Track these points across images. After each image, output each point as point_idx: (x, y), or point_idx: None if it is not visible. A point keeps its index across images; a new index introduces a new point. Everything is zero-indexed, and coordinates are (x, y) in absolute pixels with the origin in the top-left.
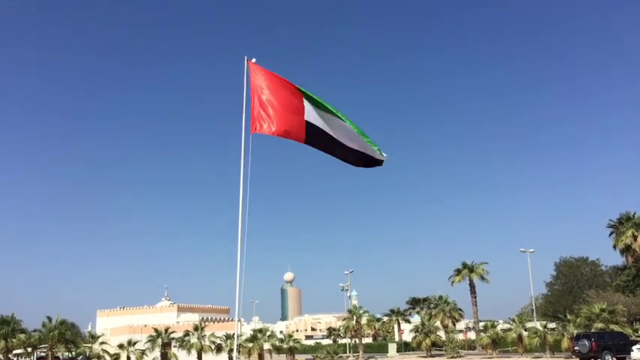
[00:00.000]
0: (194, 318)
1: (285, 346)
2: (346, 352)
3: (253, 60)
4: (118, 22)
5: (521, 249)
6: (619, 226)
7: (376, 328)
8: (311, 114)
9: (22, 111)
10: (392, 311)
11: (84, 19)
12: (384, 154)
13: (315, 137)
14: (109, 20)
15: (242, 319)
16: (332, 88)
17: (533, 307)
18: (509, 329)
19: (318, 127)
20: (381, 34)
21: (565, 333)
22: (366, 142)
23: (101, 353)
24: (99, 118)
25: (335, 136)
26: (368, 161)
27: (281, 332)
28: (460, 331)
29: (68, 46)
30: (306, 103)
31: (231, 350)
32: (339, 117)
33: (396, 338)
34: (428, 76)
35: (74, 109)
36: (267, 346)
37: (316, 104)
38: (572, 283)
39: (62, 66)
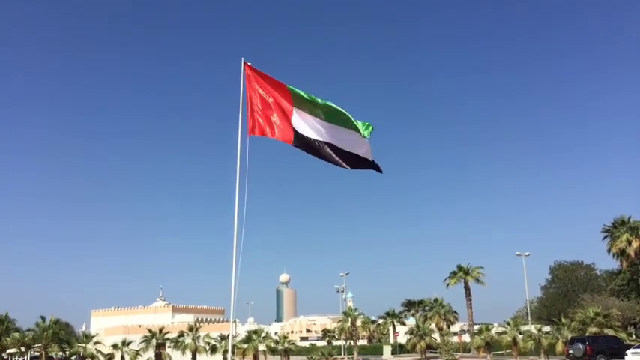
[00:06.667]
0: (189, 318)
1: (279, 347)
2: (341, 354)
3: (249, 63)
4: (118, 20)
5: (517, 252)
6: (613, 230)
7: (371, 330)
8: (298, 119)
9: (20, 109)
10: (387, 313)
11: (82, 18)
12: (367, 135)
13: (303, 142)
14: (108, 18)
15: (237, 320)
16: (330, 87)
17: (528, 311)
18: (504, 332)
19: (305, 135)
20: (382, 32)
21: (559, 336)
22: (359, 136)
23: (95, 353)
24: (96, 116)
25: (326, 140)
26: (361, 162)
27: (276, 333)
28: (455, 334)
29: (67, 45)
30: (295, 109)
31: (225, 351)
32: (331, 119)
33: (391, 340)
34: (427, 77)
35: (71, 107)
36: (261, 347)
37: (307, 105)
38: (566, 287)
39: (60, 64)
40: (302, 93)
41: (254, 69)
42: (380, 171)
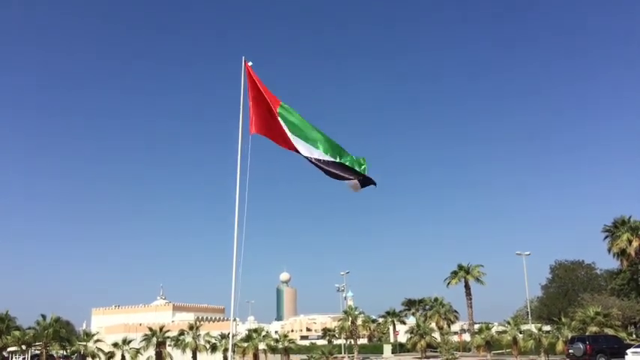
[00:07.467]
0: (189, 317)
1: (280, 346)
2: (341, 353)
3: (250, 63)
4: (117, 20)
5: (517, 252)
6: (614, 230)
7: (371, 329)
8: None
9: (21, 110)
10: (387, 312)
11: (82, 18)
12: (369, 176)
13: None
14: (108, 18)
15: (237, 319)
16: (330, 87)
17: (529, 310)
18: (504, 331)
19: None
20: (382, 32)
21: (560, 336)
22: (347, 167)
23: (96, 352)
24: (96, 116)
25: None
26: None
27: (276, 332)
28: (455, 333)
29: (67, 46)
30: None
31: (226, 350)
32: (317, 146)
33: (392, 339)
34: (425, 77)
35: (72, 108)
36: (262, 346)
37: (294, 128)
38: (567, 286)
39: (61, 65)
40: (293, 118)
41: (253, 71)
42: (374, 183)
